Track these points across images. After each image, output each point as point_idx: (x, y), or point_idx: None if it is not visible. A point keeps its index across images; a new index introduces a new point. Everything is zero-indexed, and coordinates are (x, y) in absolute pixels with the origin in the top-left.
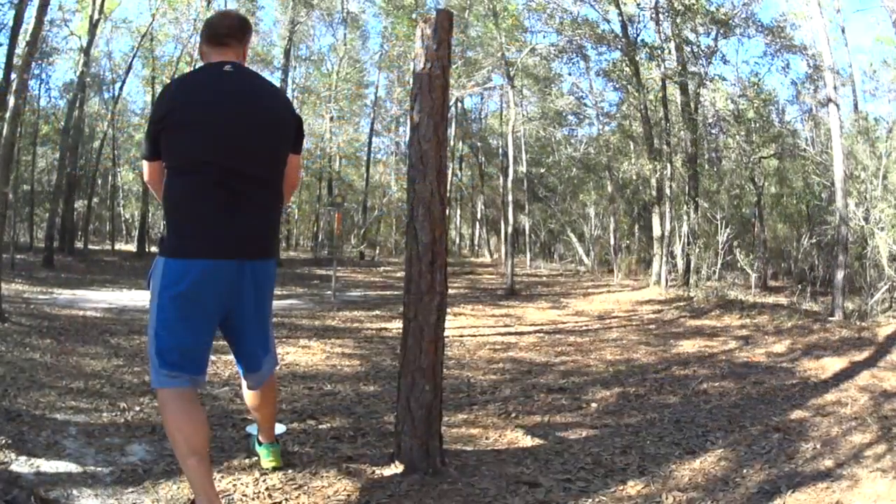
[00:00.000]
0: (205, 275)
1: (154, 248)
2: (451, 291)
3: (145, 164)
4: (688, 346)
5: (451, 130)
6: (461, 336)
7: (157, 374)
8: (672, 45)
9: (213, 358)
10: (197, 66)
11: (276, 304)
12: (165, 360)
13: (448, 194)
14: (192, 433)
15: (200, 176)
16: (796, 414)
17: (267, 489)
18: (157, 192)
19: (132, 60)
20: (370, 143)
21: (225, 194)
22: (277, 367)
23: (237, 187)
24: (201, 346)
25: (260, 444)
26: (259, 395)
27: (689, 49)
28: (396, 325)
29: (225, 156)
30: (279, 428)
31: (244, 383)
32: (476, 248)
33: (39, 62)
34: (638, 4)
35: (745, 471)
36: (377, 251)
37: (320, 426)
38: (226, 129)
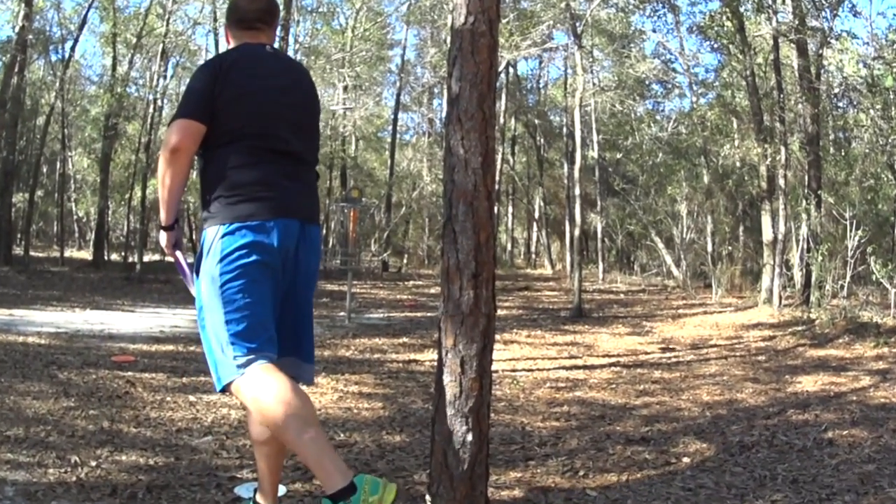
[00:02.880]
0: (277, 235)
1: (115, 256)
2: (500, 312)
3: (183, 126)
4: (808, 384)
5: (501, 104)
6: (514, 371)
7: (229, 367)
8: None
9: (192, 399)
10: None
11: None
12: (244, 341)
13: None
14: (300, 402)
15: (262, 143)
16: None
17: None
18: (178, 167)
19: (87, 12)
20: (395, 120)
21: (281, 165)
22: None
23: (291, 159)
24: (273, 323)
25: None
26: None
27: None
28: (430, 357)
29: (281, 128)
30: (279, 489)
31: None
32: (533, 256)
33: None
34: None
35: None
36: (404, 261)
37: None
38: (280, 103)
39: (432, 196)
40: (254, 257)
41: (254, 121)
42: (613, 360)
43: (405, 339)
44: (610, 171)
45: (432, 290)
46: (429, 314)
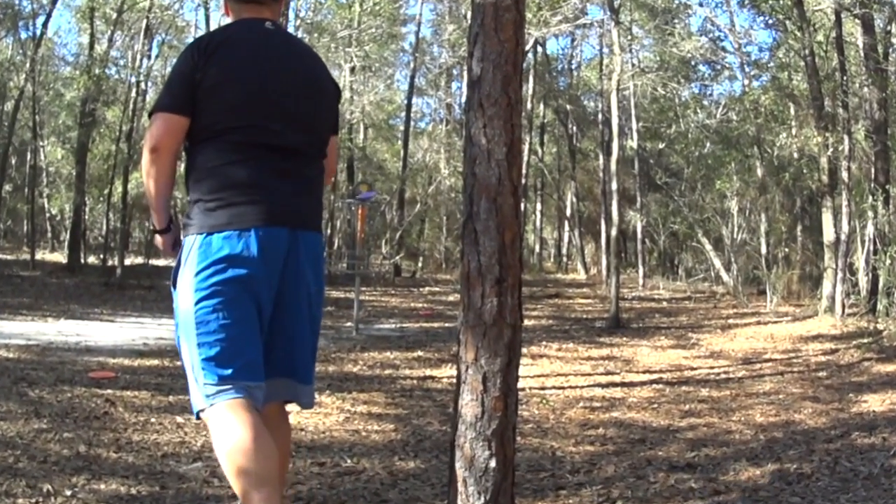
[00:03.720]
0: (258, 246)
1: (93, 259)
2: (527, 323)
3: (163, 120)
4: (874, 403)
5: (528, 87)
6: (543, 388)
7: (199, 395)
8: None
9: (179, 420)
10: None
11: None
12: (216, 367)
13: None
14: (261, 455)
15: (247, 137)
16: None
17: None
18: (161, 169)
19: None
20: (409, 105)
21: (274, 161)
22: None
23: (285, 153)
24: (256, 344)
25: None
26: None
27: None
28: (448, 373)
29: (272, 118)
30: None
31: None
32: (564, 259)
33: None
34: None
35: None
36: (419, 264)
37: None
38: (273, 90)
39: (451, 191)
40: (231, 273)
41: (240, 111)
42: (655, 376)
43: (420, 353)
44: (651, 164)
45: (450, 298)
46: (447, 325)
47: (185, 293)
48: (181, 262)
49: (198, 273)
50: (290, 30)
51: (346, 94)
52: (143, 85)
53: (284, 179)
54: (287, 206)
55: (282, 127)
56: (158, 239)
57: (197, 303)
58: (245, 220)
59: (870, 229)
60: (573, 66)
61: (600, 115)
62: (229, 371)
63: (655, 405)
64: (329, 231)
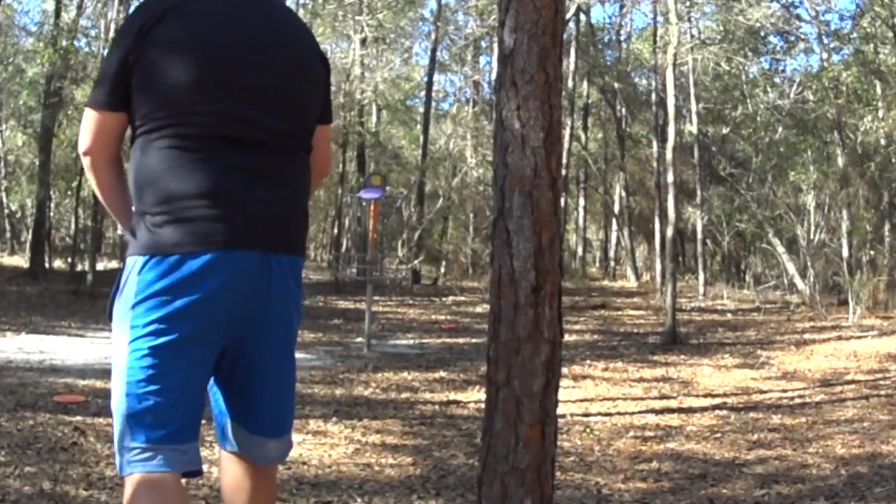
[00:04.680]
0: (212, 274)
1: (59, 263)
2: (569, 338)
3: (92, 119)
4: None
5: (569, 62)
6: (586, 415)
7: (121, 454)
8: None
9: None
10: None
11: None
12: (143, 427)
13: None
14: None
15: (203, 128)
16: None
17: None
18: (99, 175)
19: None
20: (430, 84)
21: (240, 158)
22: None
23: (256, 149)
24: (197, 397)
25: None
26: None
27: None
28: (476, 397)
29: (238, 102)
30: None
31: (233, 468)
32: (612, 263)
33: None
34: None
35: None
36: (442, 269)
37: None
38: (238, 64)
39: (479, 184)
40: (176, 306)
41: (194, 95)
42: (718, 400)
43: (442, 374)
44: (713, 151)
45: (478, 309)
46: (474, 340)
47: (119, 328)
48: (118, 288)
49: (134, 306)
50: None
51: (356, 71)
52: None
53: (254, 183)
54: (257, 219)
55: (251, 113)
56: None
57: (131, 342)
58: (199, 241)
59: None
60: (622, 38)
61: (654, 95)
62: (160, 434)
63: (718, 435)
64: (336, 231)
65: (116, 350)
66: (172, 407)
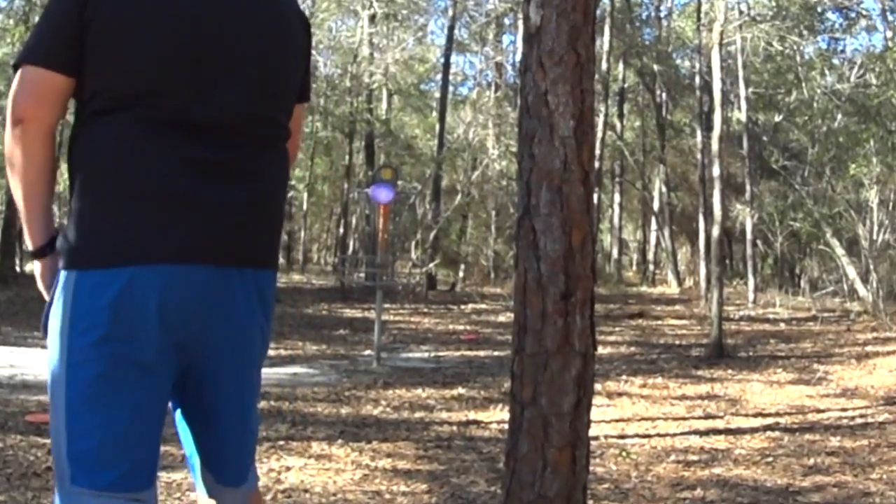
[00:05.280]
0: (160, 293)
1: (29, 267)
2: (602, 350)
3: (31, 78)
4: None
5: (603, 41)
6: (622, 437)
7: (68, 499)
8: None
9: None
10: None
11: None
12: (86, 469)
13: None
14: None
15: (157, 110)
16: None
17: None
18: (30, 150)
19: None
20: (447, 66)
21: (205, 150)
22: (267, 495)
23: (222, 137)
24: (151, 434)
25: None
26: None
27: None
28: (498, 417)
29: (201, 79)
30: None
31: None
32: (651, 267)
33: None
34: None
35: None
36: (460, 274)
37: None
38: (209, 38)
39: (501, 178)
40: (120, 328)
41: (151, 70)
42: (770, 420)
43: (461, 391)
44: (764, 142)
45: (501, 318)
46: (496, 353)
47: (54, 348)
48: (51, 305)
49: (71, 326)
50: None
51: (364, 51)
52: None
53: (220, 181)
54: (218, 228)
55: (225, 96)
56: (36, 265)
57: (69, 369)
58: (143, 252)
59: None
60: (662, 14)
61: (698, 79)
62: (107, 478)
63: (770, 459)
64: (342, 230)
65: (53, 374)
66: (120, 445)
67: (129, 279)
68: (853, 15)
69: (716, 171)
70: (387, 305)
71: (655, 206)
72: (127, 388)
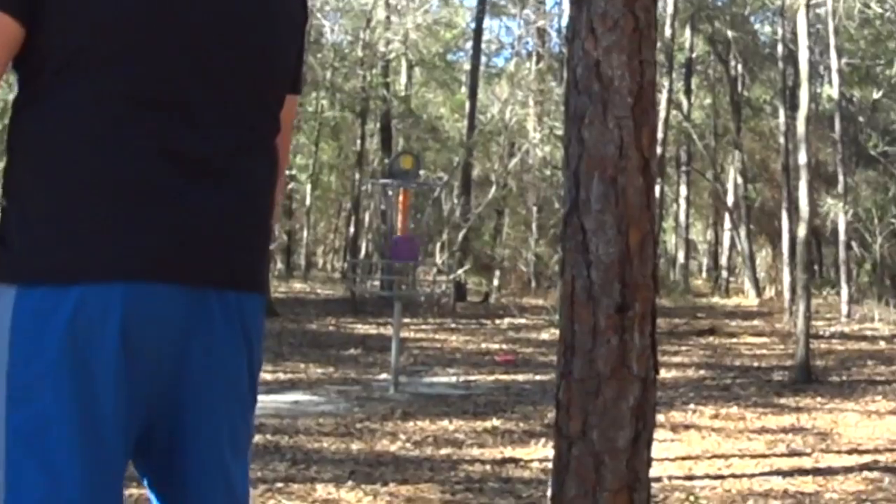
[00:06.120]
0: (122, 317)
1: None
2: (666, 374)
3: None
4: None
5: (666, 3)
6: (690, 478)
7: None
8: None
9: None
10: None
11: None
12: None
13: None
14: None
15: (132, 85)
16: None
17: None
18: None
19: None
20: (478, 32)
21: (181, 140)
22: None
23: (206, 127)
24: (111, 489)
25: None
26: None
27: None
28: (540, 454)
29: (183, 55)
30: None
31: None
32: (725, 274)
33: None
34: None
35: None
36: (495, 282)
37: None
38: (186, 8)
39: (544, 167)
40: (72, 359)
41: (125, 33)
42: (867, 458)
43: (496, 422)
44: (861, 123)
45: (543, 336)
46: (538, 377)
47: None
48: None
49: (13, 351)
50: None
51: (379, 15)
52: None
53: (197, 181)
54: (196, 239)
55: (201, 72)
56: None
57: (11, 405)
58: (102, 267)
59: None
60: None
61: (780, 48)
62: None
63: (868, 501)
64: (353, 230)
65: None
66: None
67: (82, 299)
68: None
69: (802, 158)
70: (406, 320)
71: (729, 200)
72: (78, 430)
